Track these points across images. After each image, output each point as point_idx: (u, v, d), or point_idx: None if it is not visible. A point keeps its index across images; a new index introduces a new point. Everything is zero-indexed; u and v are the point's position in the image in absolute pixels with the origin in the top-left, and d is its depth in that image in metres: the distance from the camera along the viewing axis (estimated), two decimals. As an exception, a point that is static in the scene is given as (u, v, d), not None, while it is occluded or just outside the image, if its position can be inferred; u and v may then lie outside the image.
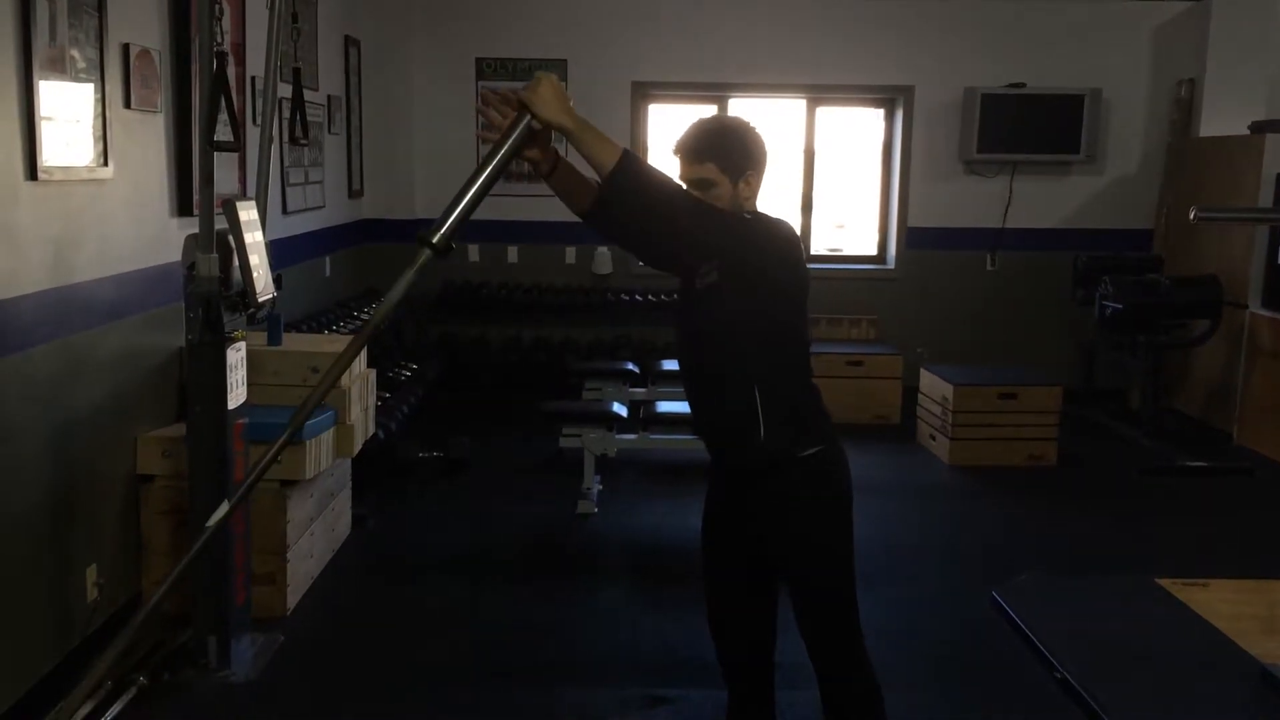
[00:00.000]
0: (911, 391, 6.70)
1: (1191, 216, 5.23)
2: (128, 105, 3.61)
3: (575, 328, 7.46)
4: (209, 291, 3.28)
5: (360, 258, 6.97)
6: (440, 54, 7.30)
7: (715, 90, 7.41)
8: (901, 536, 4.87)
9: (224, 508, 2.05)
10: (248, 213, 3.42)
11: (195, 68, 3.82)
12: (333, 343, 4.54)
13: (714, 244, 2.32)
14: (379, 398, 5.04)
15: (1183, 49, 7.29)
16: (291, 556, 3.91)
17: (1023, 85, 7.26)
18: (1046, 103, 7.25)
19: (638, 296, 7.31)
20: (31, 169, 3.05)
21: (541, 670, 3.58)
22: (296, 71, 4.74)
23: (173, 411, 3.98)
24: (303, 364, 4.12)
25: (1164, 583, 2.59)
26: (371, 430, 4.61)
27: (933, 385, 6.33)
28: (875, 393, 6.86)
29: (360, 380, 4.41)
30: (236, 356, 3.46)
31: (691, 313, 2.53)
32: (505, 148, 2.15)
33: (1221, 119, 7.02)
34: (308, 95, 5.07)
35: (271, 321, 4.16)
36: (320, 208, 6.04)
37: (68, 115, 3.24)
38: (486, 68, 7.31)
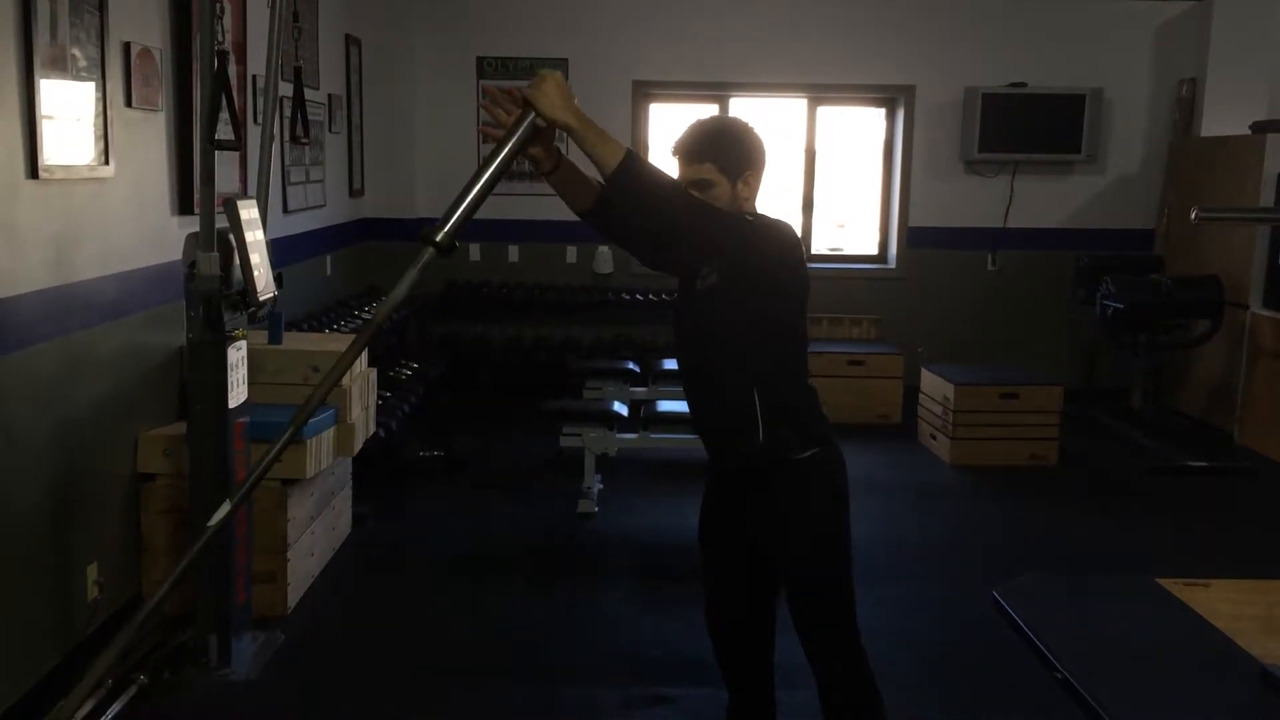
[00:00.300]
0: (912, 391, 6.70)
1: (1193, 216, 5.22)
2: (129, 104, 3.61)
3: (576, 327, 7.46)
4: (210, 290, 3.28)
5: (361, 256, 6.97)
6: (441, 53, 7.30)
7: (716, 89, 7.41)
8: (902, 536, 4.87)
9: (225, 507, 2.05)
10: (248, 211, 3.42)
11: (196, 66, 3.82)
12: (334, 341, 4.54)
13: (716, 245, 2.32)
14: (380, 397, 5.04)
15: (1184, 49, 7.29)
16: (292, 555, 3.92)
17: (1024, 85, 7.26)
18: (1048, 102, 7.25)
19: (639, 296, 7.31)
20: (32, 167, 3.05)
21: (542, 669, 3.58)
22: (297, 70, 4.75)
23: (173, 410, 3.98)
24: (303, 363, 4.12)
25: (1164, 583, 2.59)
26: (372, 429, 4.61)
27: (934, 385, 6.33)
28: (876, 392, 6.85)
29: (361, 379, 4.41)
30: (237, 355, 3.46)
31: (691, 314, 2.53)
32: (509, 146, 2.15)
33: (1223, 119, 7.02)
34: (309, 94, 5.07)
35: (272, 320, 4.16)
36: (321, 206, 6.04)
37: (69, 114, 3.23)
38: (487, 66, 7.32)
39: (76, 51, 3.27)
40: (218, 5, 3.27)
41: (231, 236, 3.32)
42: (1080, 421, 6.64)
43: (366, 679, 3.47)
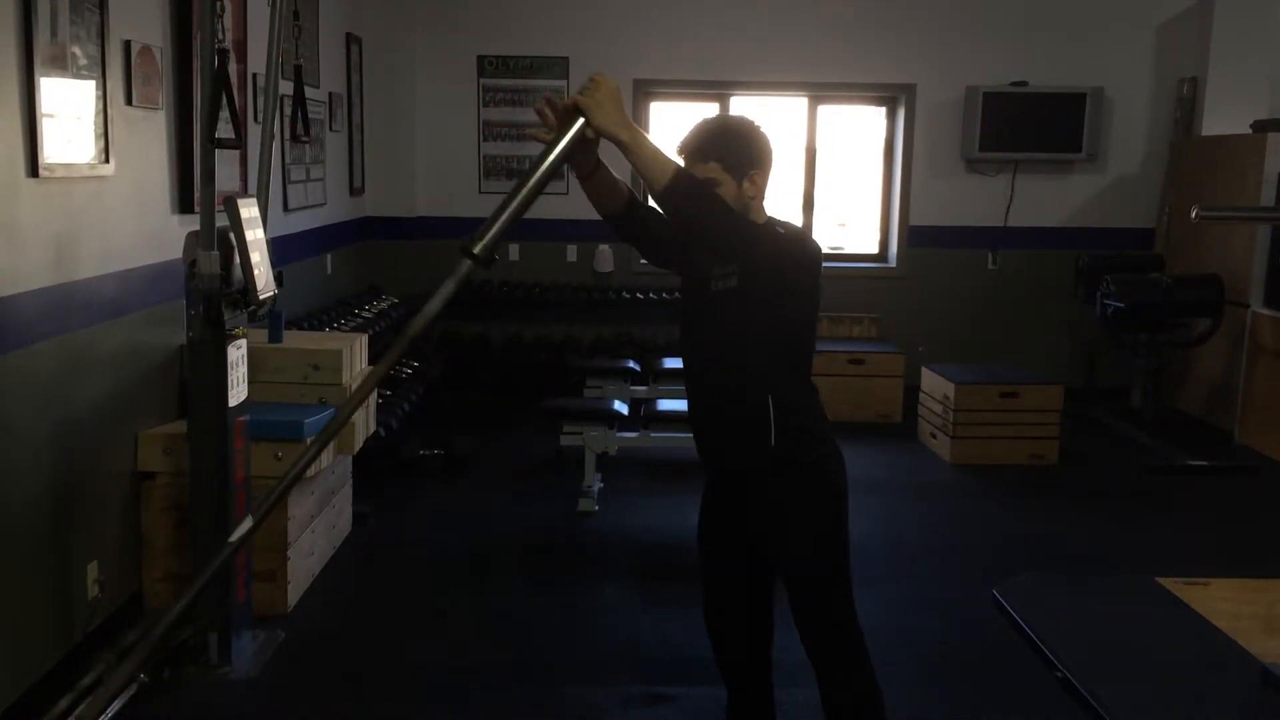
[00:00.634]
0: (913, 390, 6.70)
1: (1193, 215, 5.23)
2: (129, 102, 3.61)
3: (576, 325, 7.46)
4: (210, 289, 3.28)
5: (361, 255, 6.97)
6: (442, 51, 7.29)
7: (717, 88, 7.41)
8: (902, 535, 4.86)
9: (247, 523, 2.03)
10: (249, 210, 3.42)
11: (197, 65, 3.82)
12: (334, 340, 4.54)
13: (754, 261, 2.33)
14: (380, 395, 5.05)
15: (1185, 47, 7.28)
16: (292, 554, 3.92)
17: (1025, 84, 7.25)
18: (1048, 101, 7.25)
19: (639, 294, 7.30)
20: (33, 166, 3.05)
21: (542, 668, 3.58)
22: (298, 69, 4.74)
23: (174, 409, 3.98)
24: (304, 361, 4.12)
25: (1164, 582, 2.59)
26: (373, 428, 4.62)
27: (934, 384, 6.33)
28: (876, 391, 6.86)
29: (361, 378, 4.41)
30: (237, 354, 3.46)
31: (705, 316, 2.51)
32: (554, 154, 2.09)
33: (1224, 118, 7.01)
34: (309, 92, 5.06)
35: (273, 319, 4.16)
36: (321, 205, 6.04)
37: (69, 112, 3.23)
38: (488, 65, 7.31)
39: (77, 50, 3.27)
40: (218, 3, 3.26)
41: (232, 235, 3.32)
42: (1081, 421, 6.64)
43: (366, 678, 3.47)
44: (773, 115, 7.53)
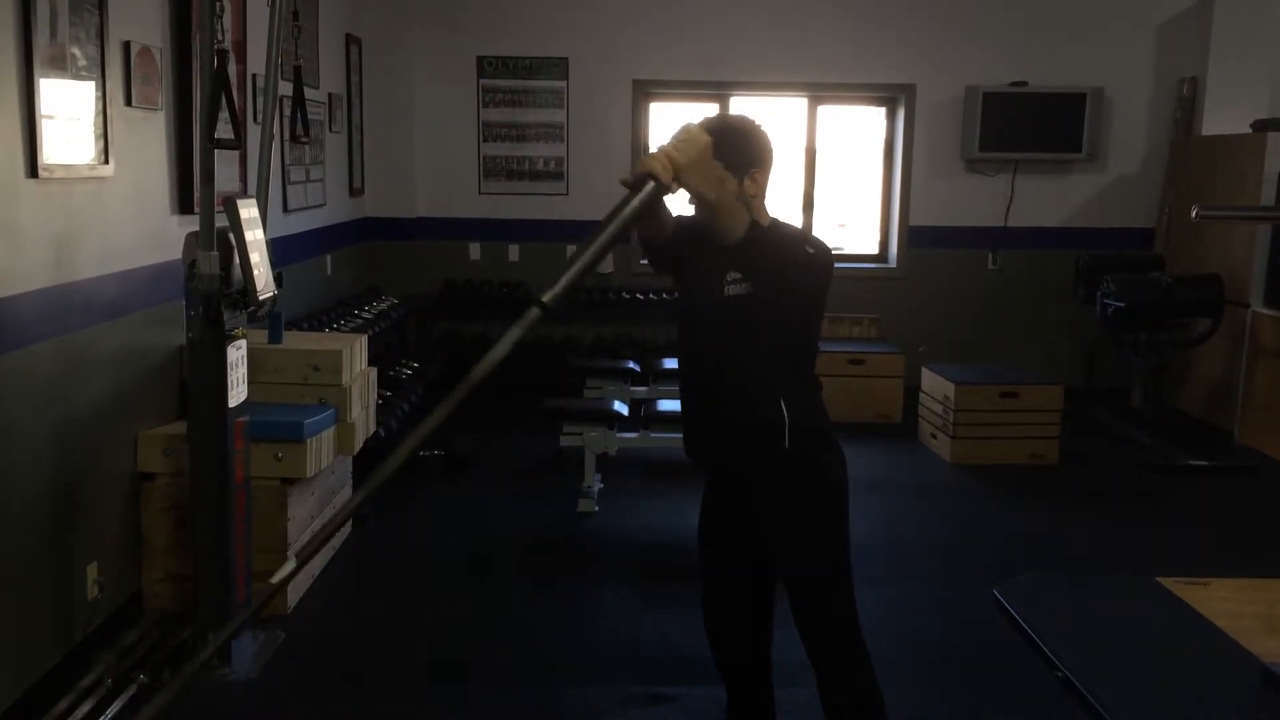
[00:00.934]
0: (913, 390, 6.70)
1: (1194, 215, 5.23)
2: (129, 103, 3.61)
3: (577, 326, 7.46)
4: (210, 289, 3.28)
5: (361, 256, 6.97)
6: (441, 52, 7.29)
7: (716, 89, 7.40)
8: (903, 535, 4.86)
9: (290, 565, 2.03)
10: (248, 210, 3.42)
11: (196, 65, 3.82)
12: (333, 341, 4.54)
13: (758, 263, 2.36)
14: (380, 396, 5.04)
15: (1185, 47, 7.28)
16: (292, 554, 3.91)
17: (1024, 84, 7.25)
18: (1048, 101, 7.25)
19: (639, 295, 7.30)
20: (32, 167, 3.05)
21: (542, 668, 3.58)
22: (297, 69, 4.74)
23: (173, 409, 3.98)
24: (303, 362, 4.12)
25: (1165, 581, 2.59)
26: (373, 428, 4.61)
27: (934, 384, 6.33)
28: (877, 391, 6.85)
29: (361, 378, 4.41)
30: (237, 354, 3.46)
31: (713, 320, 2.50)
32: (629, 211, 2.04)
33: (1224, 117, 7.01)
34: (309, 93, 5.06)
35: (272, 319, 4.16)
36: (321, 206, 6.04)
37: (68, 113, 3.23)
38: (488, 65, 7.31)
39: (76, 50, 3.27)
40: (217, 4, 3.27)
41: (231, 236, 3.32)
42: (1081, 420, 6.64)
43: (367, 678, 3.47)
44: (772, 115, 7.52)
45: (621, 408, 5.29)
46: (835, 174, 7.76)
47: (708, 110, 7.24)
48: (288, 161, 5.35)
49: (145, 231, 3.76)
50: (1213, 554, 4.69)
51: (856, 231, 7.95)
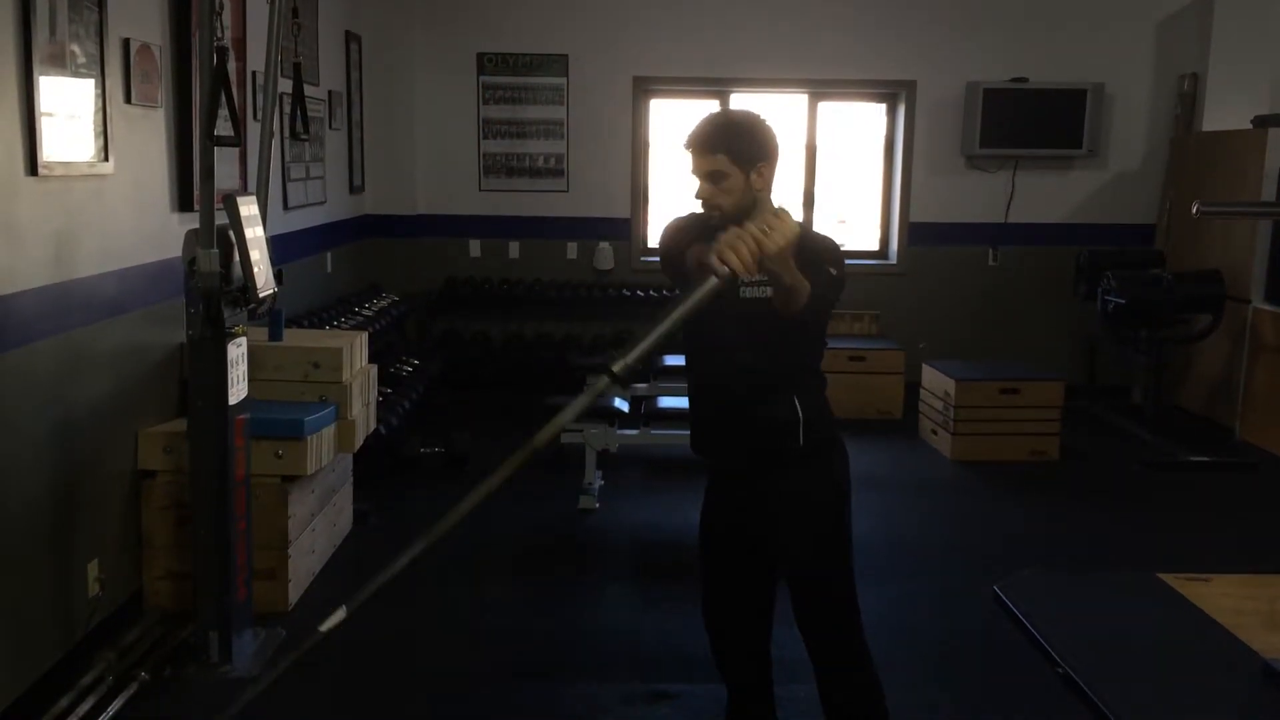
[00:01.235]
0: (913, 387, 6.70)
1: (1194, 211, 5.21)
2: (128, 100, 3.60)
3: (577, 323, 7.46)
4: (210, 287, 3.28)
5: (361, 253, 6.96)
6: (441, 49, 7.29)
7: (717, 85, 7.40)
8: (903, 532, 4.87)
9: (340, 613, 2.03)
10: (248, 208, 3.42)
11: (196, 63, 3.81)
12: (333, 338, 4.54)
13: (815, 304, 2.34)
14: (381, 393, 5.04)
15: (1186, 43, 7.27)
16: (293, 552, 3.91)
17: (1025, 80, 7.24)
18: (1049, 97, 7.24)
19: (639, 292, 7.30)
20: (32, 164, 3.05)
21: (543, 666, 3.58)
22: (297, 66, 4.74)
23: (174, 407, 3.98)
24: (304, 359, 4.12)
25: (1166, 578, 2.59)
26: (373, 426, 4.61)
27: (935, 380, 6.32)
28: (877, 388, 6.85)
29: (361, 376, 4.41)
30: (237, 352, 3.46)
31: (729, 322, 2.49)
32: (705, 292, 1.96)
33: (1225, 113, 7.01)
34: (308, 90, 5.06)
35: (273, 317, 4.16)
36: (321, 203, 6.03)
37: (68, 110, 3.23)
38: (488, 62, 7.31)
39: (76, 48, 3.27)
40: (217, 1, 3.26)
41: (231, 233, 3.32)
42: (1081, 417, 6.64)
43: (367, 677, 3.47)
44: (773, 112, 7.51)
45: (622, 405, 5.29)
46: (836, 170, 7.76)
47: (709, 107, 7.23)
48: (288, 159, 5.35)
49: (145, 229, 3.76)
50: (1213, 550, 4.69)
51: (857, 228, 7.94)
